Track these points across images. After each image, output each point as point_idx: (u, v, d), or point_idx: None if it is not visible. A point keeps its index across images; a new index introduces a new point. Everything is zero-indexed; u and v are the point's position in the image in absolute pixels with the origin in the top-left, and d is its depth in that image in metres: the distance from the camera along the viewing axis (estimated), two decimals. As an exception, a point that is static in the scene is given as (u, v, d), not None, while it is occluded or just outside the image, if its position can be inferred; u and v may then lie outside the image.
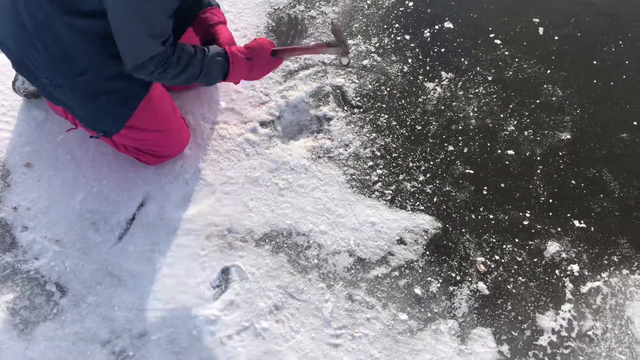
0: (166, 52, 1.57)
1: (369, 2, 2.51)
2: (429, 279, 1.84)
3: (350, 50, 2.03)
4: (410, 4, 2.51)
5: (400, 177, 2.04)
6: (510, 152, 2.11)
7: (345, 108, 2.20)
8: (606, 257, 1.91)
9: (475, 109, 2.22)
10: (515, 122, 2.19)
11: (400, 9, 2.49)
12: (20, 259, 1.80)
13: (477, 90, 2.27)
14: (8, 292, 1.74)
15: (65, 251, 1.82)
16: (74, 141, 2.03)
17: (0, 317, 1.69)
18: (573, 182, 2.06)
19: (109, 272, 1.79)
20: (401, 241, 1.90)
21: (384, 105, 2.21)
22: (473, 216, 1.98)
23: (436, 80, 2.29)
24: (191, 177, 1.99)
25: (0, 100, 2.13)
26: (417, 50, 2.37)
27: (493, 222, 1.96)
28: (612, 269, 1.88)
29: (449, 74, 2.31)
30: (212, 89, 2.19)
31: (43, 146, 2.03)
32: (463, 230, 1.94)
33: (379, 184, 2.02)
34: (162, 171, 2.00)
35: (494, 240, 1.93)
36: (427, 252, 1.89)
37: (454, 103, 2.23)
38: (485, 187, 2.03)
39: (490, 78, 2.30)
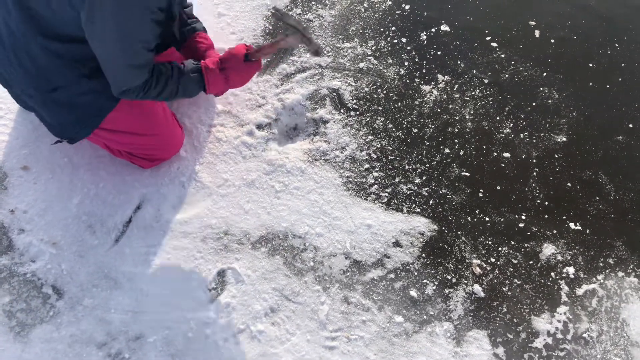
0: (149, 79, 1.64)
1: (365, 5, 2.52)
2: (425, 281, 1.84)
3: (310, 33, 1.81)
4: (407, 7, 2.52)
5: (397, 179, 2.05)
6: (506, 154, 2.12)
7: (342, 111, 2.20)
8: (602, 259, 1.91)
9: (472, 112, 2.23)
10: (511, 124, 2.20)
11: (397, 12, 2.50)
12: (17, 261, 1.81)
13: (473, 93, 2.28)
14: (4, 294, 1.75)
15: (62, 254, 1.83)
16: (72, 145, 2.03)
17: (-3, 319, 1.70)
18: (569, 184, 2.06)
19: (105, 274, 1.80)
20: (397, 244, 1.90)
21: (380, 108, 2.22)
22: (469, 219, 1.98)
23: (432, 83, 2.29)
24: (187, 180, 2.00)
25: (-2, 103, 2.14)
26: (413, 53, 2.38)
27: (489, 224, 1.97)
28: (607, 271, 1.89)
29: (445, 76, 2.31)
30: (209, 92, 2.20)
31: (40, 149, 2.03)
32: (459, 232, 1.95)
33: (375, 186, 2.03)
34: (159, 174, 2.00)
35: (490, 242, 1.93)
36: (423, 255, 1.89)
37: (450, 106, 2.24)
38: (481, 190, 2.04)
39: (486, 81, 2.31)
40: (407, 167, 2.08)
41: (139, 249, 1.84)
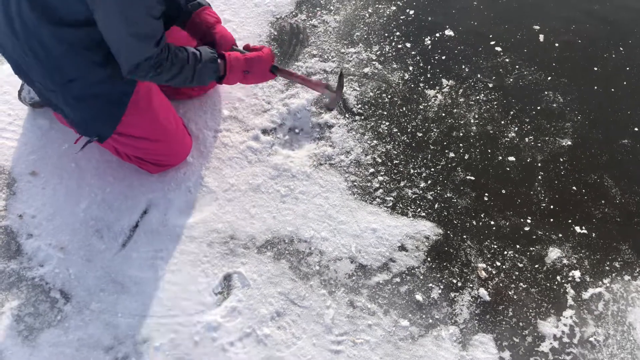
0: (160, 55, 1.61)
1: (370, 10, 2.54)
2: (430, 285, 1.84)
3: (338, 104, 2.18)
4: (411, 12, 2.53)
5: (402, 183, 2.05)
6: (511, 158, 2.12)
7: (347, 115, 2.21)
8: (608, 263, 1.91)
9: (476, 116, 2.23)
10: (516, 128, 2.20)
11: (401, 17, 2.51)
12: (25, 266, 1.82)
13: (477, 97, 2.28)
14: (13, 298, 1.76)
15: (70, 258, 1.84)
16: (76, 150, 2.05)
17: (5, 323, 1.71)
18: (574, 188, 2.06)
19: (112, 279, 1.81)
20: (402, 248, 1.91)
21: (385, 113, 2.23)
22: (474, 222, 1.98)
23: (437, 88, 2.30)
24: (194, 185, 2.01)
25: (7, 110, 2.17)
26: (418, 57, 2.39)
27: (494, 228, 1.97)
28: (613, 275, 1.88)
29: (450, 81, 2.32)
30: (215, 98, 2.21)
31: (48, 155, 2.06)
32: (464, 236, 1.95)
33: (380, 190, 2.03)
34: (165, 179, 2.02)
35: (495, 246, 1.93)
36: (428, 259, 1.90)
37: (455, 110, 2.24)
38: (486, 194, 2.04)
39: (491, 85, 2.32)
40: (412, 171, 2.08)
41: (146, 253, 1.86)
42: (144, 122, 1.80)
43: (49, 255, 1.84)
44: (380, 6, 2.55)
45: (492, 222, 1.98)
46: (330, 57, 2.37)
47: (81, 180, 2.01)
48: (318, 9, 2.53)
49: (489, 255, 1.91)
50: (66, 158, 2.05)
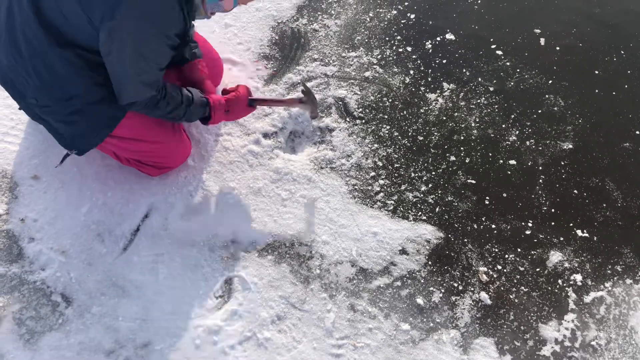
0: (157, 96, 1.71)
1: (371, 14, 2.54)
2: (431, 289, 1.84)
3: (318, 112, 2.16)
4: (412, 16, 2.54)
5: (403, 187, 2.05)
6: (512, 162, 2.12)
7: (348, 119, 2.22)
8: (609, 266, 1.90)
9: (477, 120, 2.23)
10: (517, 132, 2.20)
11: (402, 21, 2.52)
12: (27, 269, 1.83)
13: (478, 101, 2.28)
14: (15, 302, 1.77)
15: (71, 262, 1.85)
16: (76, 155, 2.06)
17: (7, 327, 1.72)
18: (575, 191, 2.06)
19: (113, 282, 1.81)
20: (403, 251, 1.91)
21: (386, 116, 2.23)
22: (475, 226, 1.98)
23: (438, 91, 2.30)
24: (195, 189, 2.02)
25: (9, 114, 2.18)
26: (418, 61, 2.39)
27: (495, 231, 1.97)
28: (615, 278, 1.88)
29: (451, 85, 2.33)
30: (216, 102, 2.22)
31: (50, 159, 2.06)
32: (465, 240, 1.95)
33: (381, 194, 2.03)
34: (166, 182, 2.03)
35: (496, 250, 1.93)
36: (429, 262, 1.89)
37: (456, 114, 2.25)
38: (487, 197, 2.04)
39: (491, 89, 2.32)
40: (413, 174, 2.08)
41: (147, 257, 1.86)
42: (141, 124, 1.81)
43: (50, 259, 1.85)
44: (381, 10, 2.56)
45: (493, 226, 1.98)
46: (331, 61, 2.38)
47: (82, 184, 2.01)
48: (319, 13, 2.54)
49: (490, 259, 1.91)
50: (68, 162, 2.05)
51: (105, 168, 2.03)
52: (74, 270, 1.83)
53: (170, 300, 1.78)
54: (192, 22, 1.77)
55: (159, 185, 2.02)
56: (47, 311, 1.76)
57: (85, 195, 1.99)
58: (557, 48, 2.45)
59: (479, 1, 2.60)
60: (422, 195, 2.04)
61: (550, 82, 2.34)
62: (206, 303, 1.78)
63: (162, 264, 1.85)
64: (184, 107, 1.81)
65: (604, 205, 2.03)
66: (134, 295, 1.79)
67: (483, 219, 1.99)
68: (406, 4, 2.58)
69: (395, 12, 2.55)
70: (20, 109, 1.79)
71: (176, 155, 1.98)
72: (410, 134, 2.19)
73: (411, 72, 2.36)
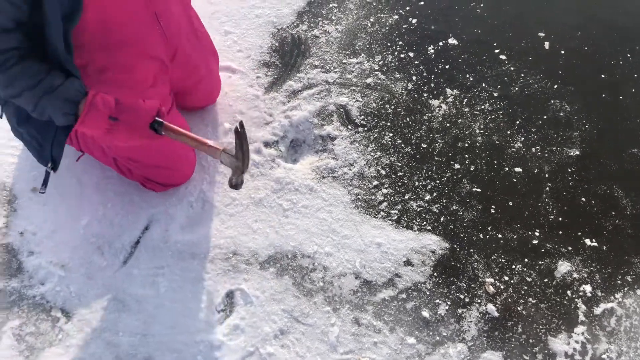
0: None
1: (372, 20, 2.51)
2: (437, 301, 1.80)
3: (243, 176, 1.60)
4: (414, 21, 2.50)
5: (406, 196, 2.02)
6: (518, 169, 2.08)
7: (350, 127, 2.18)
8: (620, 277, 1.86)
9: (482, 126, 2.20)
10: (523, 138, 2.16)
11: (404, 26, 2.49)
12: (26, 284, 1.80)
13: (482, 107, 2.25)
14: (14, 318, 1.74)
15: (70, 276, 1.82)
16: (80, 165, 2.03)
17: (7, 343, 1.69)
18: (583, 199, 2.02)
19: (113, 296, 1.79)
20: (408, 262, 1.87)
21: (389, 124, 2.20)
22: (481, 236, 1.94)
23: (441, 98, 2.27)
24: (195, 200, 1.99)
25: (7, 125, 2.15)
26: (421, 67, 2.36)
27: (502, 241, 1.93)
28: (626, 289, 1.84)
29: (454, 90, 2.29)
30: (216, 110, 2.19)
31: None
32: (471, 250, 1.91)
33: (385, 203, 2.00)
34: (167, 194, 2.00)
35: (503, 260, 1.89)
36: (435, 274, 1.86)
37: (460, 120, 2.21)
38: (493, 206, 2.00)
39: (496, 94, 2.28)
40: (417, 183, 2.05)
41: (147, 270, 1.83)
42: (158, 149, 1.79)
43: (49, 273, 1.82)
44: (382, 15, 2.52)
45: (500, 235, 1.94)
46: (332, 68, 2.34)
47: (82, 196, 1.99)
48: (319, 18, 2.51)
49: (496, 270, 1.87)
50: (67, 174, 2.03)
51: (104, 180, 2.01)
52: (74, 284, 1.80)
53: (171, 314, 1.75)
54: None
55: (159, 197, 1.99)
56: (46, 326, 1.73)
57: (84, 207, 1.96)
58: (562, 52, 2.41)
59: (482, 5, 2.56)
60: (426, 205, 2.00)
61: (555, 86, 2.30)
62: (208, 317, 1.75)
63: (162, 277, 1.82)
64: (36, 92, 1.36)
65: (613, 213, 1.99)
66: (134, 309, 1.76)
67: (489, 229, 1.96)
68: (408, 8, 2.55)
69: (396, 17, 2.52)
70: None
71: (182, 175, 1.97)
72: (413, 141, 2.15)
73: (414, 78, 2.33)
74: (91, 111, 1.42)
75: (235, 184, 1.59)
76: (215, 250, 1.88)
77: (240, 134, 1.53)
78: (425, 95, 2.28)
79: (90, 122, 1.43)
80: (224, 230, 1.92)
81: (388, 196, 2.02)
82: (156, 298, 1.78)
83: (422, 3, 2.56)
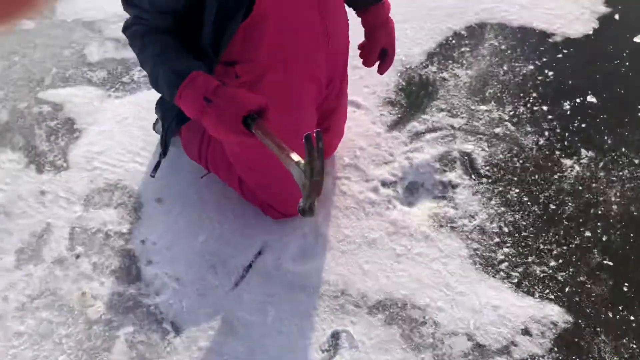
0: (131, 21, 1.44)
1: (505, 67, 2.42)
2: (557, 380, 1.66)
3: (313, 196, 1.33)
4: (550, 73, 2.38)
5: (529, 259, 1.89)
6: (659, 247, 1.90)
7: (473, 176, 2.10)
8: None
9: (618, 194, 2.03)
10: (666, 213, 1.97)
11: (539, 77, 2.38)
12: (143, 292, 1.87)
13: (621, 173, 2.08)
14: (129, 323, 1.80)
15: (184, 290, 1.86)
16: (203, 182, 2.11)
17: (120, 348, 1.75)
18: None
19: (222, 317, 1.80)
20: (526, 331, 1.74)
21: (515, 178, 2.09)
22: (610, 314, 1.77)
23: (575, 158, 2.13)
24: (309, 231, 1.98)
25: (142, 135, 2.28)
26: (555, 123, 2.23)
27: (634, 324, 1.75)
28: None
29: (590, 152, 2.14)
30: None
31: (174, 183, 2.12)
32: (598, 329, 1.75)
33: (505, 263, 1.89)
34: (282, 222, 2.01)
35: (635, 347, 1.71)
36: (555, 349, 1.71)
37: (594, 184, 2.06)
38: (626, 283, 1.83)
39: (637, 161, 2.11)
40: (542, 246, 1.92)
41: (257, 296, 1.84)
42: (270, 166, 1.68)
43: (165, 284, 1.88)
44: (516, 64, 2.43)
45: (632, 318, 1.76)
46: (459, 113, 2.28)
47: (202, 212, 2.05)
48: (450, 61, 2.46)
49: (626, 356, 1.70)
50: (191, 188, 2.10)
51: (225, 199, 2.06)
52: (186, 299, 1.85)
53: (276, 345, 1.74)
54: None
55: (274, 223, 2.01)
56: (157, 338, 1.78)
57: (203, 223, 2.02)
58: None
59: (627, 63, 2.40)
60: (550, 271, 1.86)
61: None
62: (312, 355, 1.72)
63: (271, 305, 1.82)
64: (155, 61, 1.39)
65: None
66: (241, 334, 1.77)
67: (620, 308, 1.79)
68: (544, 60, 2.44)
69: (531, 67, 2.41)
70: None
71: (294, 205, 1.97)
72: (541, 200, 2.03)
73: (546, 133, 2.20)
74: (189, 86, 1.35)
75: (302, 210, 1.31)
76: (325, 286, 1.86)
77: (310, 145, 1.22)
78: (557, 153, 2.15)
79: (186, 98, 1.36)
80: (334, 267, 1.90)
81: (509, 256, 1.90)
82: (263, 326, 1.78)
83: (560, 55, 2.44)
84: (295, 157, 1.32)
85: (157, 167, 1.86)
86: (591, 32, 2.57)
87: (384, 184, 2.10)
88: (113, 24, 2.78)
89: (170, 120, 1.70)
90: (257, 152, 1.65)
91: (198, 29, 1.46)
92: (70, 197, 2.11)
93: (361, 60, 1.91)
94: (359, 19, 1.83)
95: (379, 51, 1.85)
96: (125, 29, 1.47)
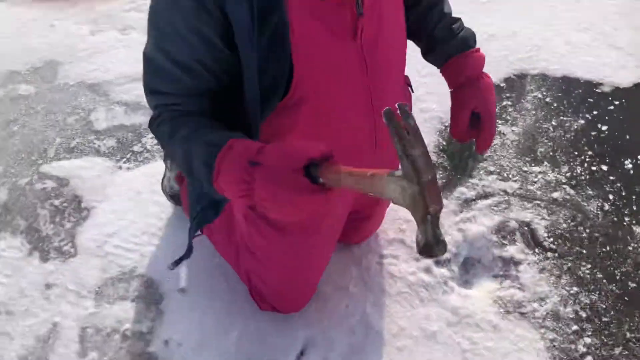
0: (155, 118, 1.22)
1: (554, 122, 2.22)
2: None
3: (432, 206, 0.85)
4: (604, 127, 2.19)
5: (616, 351, 1.64)
6: None
7: (537, 250, 1.87)
8: None
9: (703, 265, 1.80)
10: None
11: (592, 133, 2.18)
12: (170, 409, 1.59)
13: (701, 241, 1.86)
14: None
15: (218, 405, 1.59)
16: (230, 266, 1.85)
17: None
18: None
19: None
20: None
21: (584, 251, 1.86)
22: None
23: (647, 224, 1.91)
24: (358, 323, 1.72)
25: (158, 212, 2.03)
26: (618, 184, 2.02)
27: None
28: None
29: (663, 216, 1.92)
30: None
31: (198, 269, 1.86)
32: None
33: (589, 357, 1.63)
34: (325, 311, 1.75)
35: None
36: None
37: (674, 255, 1.83)
38: None
39: None
40: (628, 334, 1.67)
41: (305, 410, 1.57)
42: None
43: (195, 397, 1.60)
44: (565, 119, 2.23)
45: None
46: (510, 176, 2.06)
47: (232, 303, 1.78)
48: (493, 118, 2.25)
49: None
50: (217, 275, 1.85)
51: (259, 288, 1.80)
52: (222, 416, 1.57)
53: None
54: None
55: (316, 313, 1.75)
56: None
57: (235, 317, 1.75)
58: None
59: (686, 113, 2.21)
60: (642, 364, 1.62)
61: None
62: None
63: (321, 420, 1.55)
64: (176, 142, 1.16)
65: None
66: None
67: None
68: (595, 112, 2.24)
69: (582, 121, 2.22)
70: None
71: (294, 305, 1.73)
72: (618, 277, 1.79)
73: (610, 196, 1.99)
74: (227, 155, 1.04)
75: (427, 245, 0.86)
76: (383, 392, 1.59)
77: (394, 124, 0.85)
78: (626, 219, 1.93)
79: (226, 171, 1.03)
80: (392, 368, 1.63)
81: (592, 348, 1.65)
82: None
83: (612, 107, 2.25)
84: (382, 172, 0.90)
85: (178, 262, 1.56)
86: None
87: (438, 262, 1.85)
88: (120, 85, 2.57)
89: (197, 213, 1.49)
90: (287, 247, 1.49)
91: (238, 104, 1.23)
92: (80, 290, 1.84)
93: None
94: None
95: (467, 118, 1.41)
96: (151, 124, 1.22)
